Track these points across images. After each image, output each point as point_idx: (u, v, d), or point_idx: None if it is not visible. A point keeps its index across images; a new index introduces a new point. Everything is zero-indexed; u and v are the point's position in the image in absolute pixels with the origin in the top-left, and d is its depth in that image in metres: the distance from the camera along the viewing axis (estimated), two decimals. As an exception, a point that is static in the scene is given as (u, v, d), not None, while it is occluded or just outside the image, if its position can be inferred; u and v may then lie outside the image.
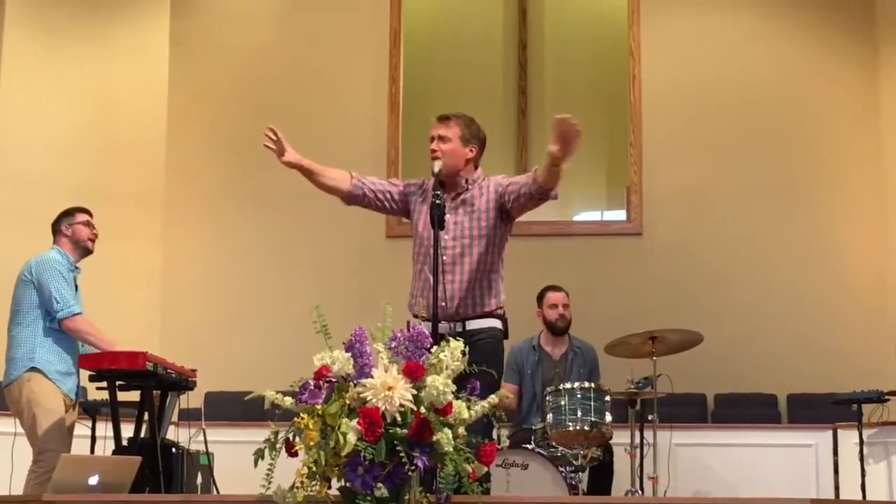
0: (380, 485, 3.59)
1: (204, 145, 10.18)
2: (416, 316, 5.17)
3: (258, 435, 3.89)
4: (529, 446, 6.69)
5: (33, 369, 5.99)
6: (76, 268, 6.29)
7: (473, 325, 5.22)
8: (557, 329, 7.51)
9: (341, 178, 5.66)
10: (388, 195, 5.56)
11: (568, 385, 6.70)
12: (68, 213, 6.34)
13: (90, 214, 6.38)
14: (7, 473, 6.34)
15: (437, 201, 4.97)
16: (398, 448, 3.59)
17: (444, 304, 5.11)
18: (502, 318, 5.35)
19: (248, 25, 10.38)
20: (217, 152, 10.14)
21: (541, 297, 7.61)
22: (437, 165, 5.21)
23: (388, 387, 3.63)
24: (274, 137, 5.53)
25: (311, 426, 3.65)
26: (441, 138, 5.33)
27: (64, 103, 9.61)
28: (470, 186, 5.37)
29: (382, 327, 3.85)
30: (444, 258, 5.22)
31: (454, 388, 3.75)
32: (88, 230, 6.31)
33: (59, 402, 6.01)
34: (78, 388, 6.21)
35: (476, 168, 5.43)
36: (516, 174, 9.50)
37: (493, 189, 5.35)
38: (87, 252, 6.33)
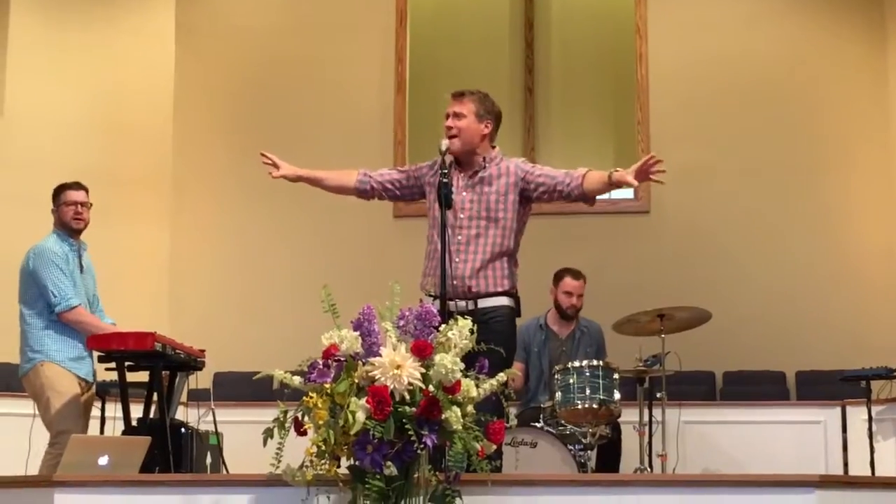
0: (389, 463, 3.60)
1: (211, 128, 10.18)
2: (428, 294, 5.17)
3: (267, 414, 3.90)
4: (538, 424, 6.70)
5: (45, 360, 6.02)
6: (79, 245, 6.26)
7: (486, 303, 5.21)
8: (567, 315, 7.49)
9: (346, 177, 5.64)
10: (396, 183, 5.55)
11: (577, 363, 6.70)
12: (55, 194, 6.23)
13: (77, 188, 6.22)
14: (24, 454, 6.36)
15: (444, 180, 4.96)
16: (407, 426, 3.60)
17: (455, 282, 5.11)
18: (515, 296, 5.35)
19: (254, 7, 10.36)
20: (224, 134, 10.13)
21: (558, 278, 7.53)
22: (445, 144, 5.19)
23: (396, 365, 3.64)
24: (268, 161, 5.49)
25: (319, 405, 3.66)
26: (456, 115, 5.31)
27: (71, 87, 9.61)
28: (487, 164, 5.33)
29: (390, 306, 3.85)
30: (459, 237, 5.21)
31: (463, 366, 3.75)
32: (72, 210, 6.16)
33: (72, 385, 6.03)
34: (93, 370, 6.23)
35: (493, 144, 5.41)
36: (523, 153, 9.65)
37: (514, 172, 5.31)
38: (74, 232, 6.22)
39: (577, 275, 7.49)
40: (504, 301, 5.25)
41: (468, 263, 5.20)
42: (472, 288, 5.18)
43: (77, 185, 6.25)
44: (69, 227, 6.20)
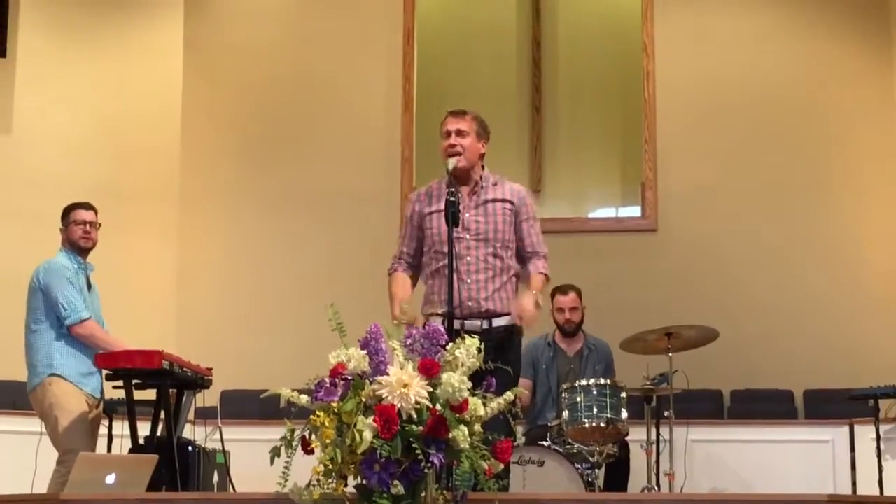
0: (396, 482, 3.59)
1: (218, 144, 10.20)
2: (435, 314, 5.15)
3: (274, 433, 3.89)
4: (545, 443, 6.69)
5: (53, 374, 6.02)
6: (86, 266, 6.28)
7: (500, 322, 5.22)
8: (566, 332, 7.49)
9: (405, 279, 5.55)
10: (418, 246, 5.50)
11: (584, 382, 6.70)
12: (65, 213, 6.27)
13: (87, 208, 6.26)
14: (30, 473, 6.36)
15: (452, 199, 4.96)
16: (414, 445, 3.59)
17: (471, 303, 5.12)
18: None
19: (261, 25, 10.40)
20: (231, 151, 10.16)
21: (551, 297, 7.55)
22: (452, 163, 5.20)
23: (403, 384, 3.63)
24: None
25: (327, 424, 3.65)
26: (459, 133, 5.32)
27: (79, 104, 9.65)
28: (484, 184, 5.35)
29: (398, 324, 3.85)
30: (468, 258, 5.21)
31: (470, 384, 3.75)
32: (81, 229, 6.18)
33: (80, 403, 6.02)
34: (101, 386, 6.22)
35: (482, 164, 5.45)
36: (530, 171, 9.70)
37: (517, 202, 5.34)
38: (82, 251, 6.24)
39: (565, 290, 7.48)
40: (514, 320, 5.25)
41: (479, 284, 5.20)
42: (488, 308, 5.18)
43: (87, 206, 6.29)
44: (77, 246, 6.22)
